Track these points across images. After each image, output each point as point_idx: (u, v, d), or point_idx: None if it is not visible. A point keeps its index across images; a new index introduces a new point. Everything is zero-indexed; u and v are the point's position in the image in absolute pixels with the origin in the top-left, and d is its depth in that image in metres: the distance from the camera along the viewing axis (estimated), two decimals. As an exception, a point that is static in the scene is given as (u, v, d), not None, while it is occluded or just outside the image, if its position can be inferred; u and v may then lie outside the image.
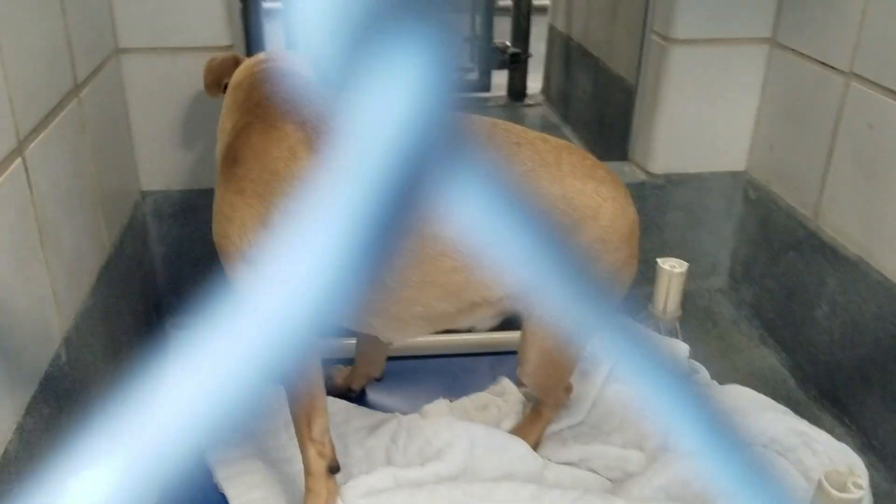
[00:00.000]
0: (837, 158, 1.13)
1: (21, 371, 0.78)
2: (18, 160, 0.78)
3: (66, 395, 0.89)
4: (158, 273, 1.31)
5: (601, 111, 1.99)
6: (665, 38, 1.28)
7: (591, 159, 0.93)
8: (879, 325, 1.05)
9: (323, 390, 0.91)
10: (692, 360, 1.15)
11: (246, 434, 1.07)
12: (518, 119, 2.31)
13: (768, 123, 1.31)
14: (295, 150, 0.83)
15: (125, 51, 1.15)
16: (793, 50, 1.23)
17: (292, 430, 0.92)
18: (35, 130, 0.83)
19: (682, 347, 1.14)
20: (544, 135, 0.93)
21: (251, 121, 0.86)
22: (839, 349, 1.14)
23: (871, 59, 1.06)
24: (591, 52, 1.94)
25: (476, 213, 0.22)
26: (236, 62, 0.98)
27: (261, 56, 0.96)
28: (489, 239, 0.23)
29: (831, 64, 1.13)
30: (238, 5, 1.23)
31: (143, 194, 1.25)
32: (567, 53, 2.16)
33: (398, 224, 0.19)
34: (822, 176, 1.17)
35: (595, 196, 0.88)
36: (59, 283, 0.88)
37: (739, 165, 1.37)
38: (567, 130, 2.26)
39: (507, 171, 0.21)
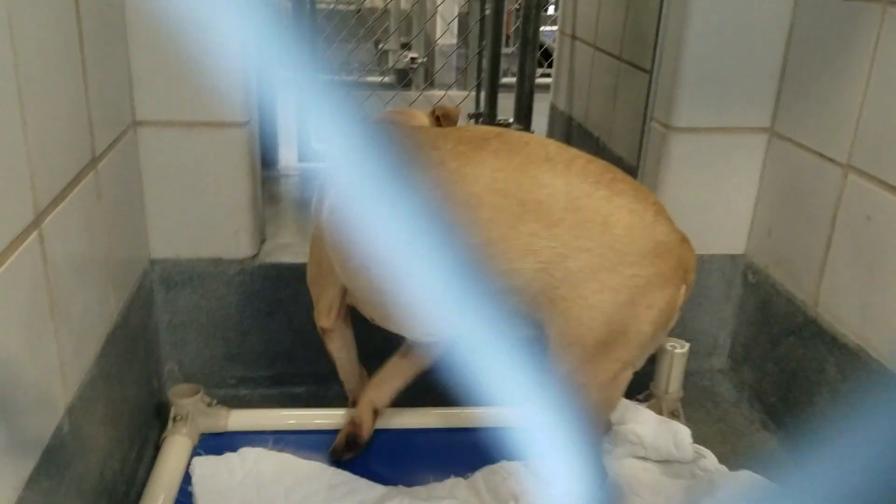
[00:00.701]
0: (836, 248, 1.16)
1: (23, 444, 0.78)
2: (35, 233, 0.80)
3: (67, 466, 0.88)
4: (162, 340, 1.31)
5: (602, 188, 2.03)
6: (666, 125, 1.32)
7: (613, 171, 0.89)
8: (880, 415, 1.05)
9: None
10: (697, 446, 1.15)
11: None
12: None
13: (767, 209, 1.34)
14: None
15: (142, 123, 1.18)
16: (791, 140, 1.26)
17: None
18: (53, 203, 0.85)
19: (684, 432, 1.14)
20: (569, 147, 0.92)
21: None
22: (839, 437, 1.14)
23: (869, 153, 1.09)
24: (591, 132, 1.99)
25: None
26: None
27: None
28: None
29: (829, 156, 1.17)
30: (255, 81, 1.27)
31: (152, 262, 1.26)
32: (568, 131, 2.21)
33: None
34: (820, 264, 1.19)
35: (606, 203, 0.85)
36: (65, 353, 0.88)
37: (739, 249, 1.39)
38: (568, 205, 2.30)
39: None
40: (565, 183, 0.86)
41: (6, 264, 0.74)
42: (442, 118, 1.14)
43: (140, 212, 1.22)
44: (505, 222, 0.87)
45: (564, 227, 0.85)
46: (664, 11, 1.32)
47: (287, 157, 2.46)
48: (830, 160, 1.16)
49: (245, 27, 1.19)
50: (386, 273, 0.91)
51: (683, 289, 0.91)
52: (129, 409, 1.13)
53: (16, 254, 0.75)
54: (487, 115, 2.41)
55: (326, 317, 1.14)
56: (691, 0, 1.23)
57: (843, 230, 1.14)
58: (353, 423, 1.20)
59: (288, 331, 1.34)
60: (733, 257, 1.40)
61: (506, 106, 2.47)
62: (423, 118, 1.14)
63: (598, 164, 0.90)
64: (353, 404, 1.28)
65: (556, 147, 0.91)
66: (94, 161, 0.99)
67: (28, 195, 0.79)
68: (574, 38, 2.12)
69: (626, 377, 0.94)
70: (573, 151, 0.91)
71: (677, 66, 1.26)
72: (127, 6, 1.12)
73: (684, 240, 0.92)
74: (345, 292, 1.12)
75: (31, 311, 0.79)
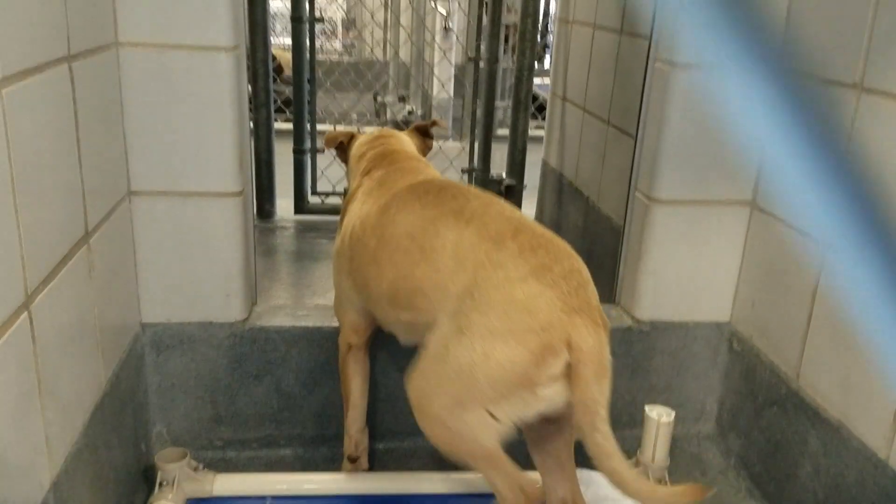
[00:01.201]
0: (816, 322, 1.17)
1: (6, 522, 0.78)
2: (24, 315, 0.82)
3: (49, 542, 0.89)
4: (151, 403, 1.32)
5: (590, 247, 2.05)
6: (649, 197, 1.34)
7: (522, 233, 0.99)
8: (860, 492, 1.05)
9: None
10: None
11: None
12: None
13: (750, 280, 1.36)
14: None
15: (137, 193, 1.21)
16: (772, 214, 1.29)
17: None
18: (43, 283, 0.87)
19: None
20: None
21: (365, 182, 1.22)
22: (823, 510, 1.14)
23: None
24: (581, 191, 2.02)
25: None
26: (352, 136, 1.36)
27: (375, 133, 1.34)
28: None
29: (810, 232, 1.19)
30: (249, 152, 1.30)
31: (144, 326, 1.28)
32: (559, 188, 2.25)
33: None
34: (802, 337, 1.20)
35: (483, 256, 0.97)
36: (52, 429, 0.89)
37: (724, 317, 1.41)
38: (560, 260, 2.32)
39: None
40: (457, 235, 0.99)
41: (-6, 348, 0.75)
42: (419, 130, 1.41)
43: (132, 277, 1.24)
44: (410, 263, 1.02)
45: (445, 273, 0.98)
46: (647, 83, 1.35)
47: (284, 208, 2.50)
48: (810, 236, 1.19)
49: (240, 100, 1.23)
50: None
51: (556, 362, 0.92)
52: (115, 474, 1.14)
53: (4, 337, 0.77)
54: (480, 170, 2.44)
55: (353, 333, 1.24)
56: (673, 73, 1.27)
57: (822, 306, 1.16)
58: None
59: (276, 393, 1.35)
60: (719, 325, 1.42)
61: (501, 158, 2.51)
62: (406, 138, 1.36)
63: (506, 224, 0.99)
64: (351, 460, 1.27)
65: (481, 206, 1.02)
66: (86, 236, 1.01)
67: (18, 277, 0.81)
68: (565, 99, 2.17)
69: (465, 422, 0.96)
70: (494, 212, 1.02)
71: (659, 138, 1.29)
72: (123, 79, 1.15)
73: (579, 314, 0.92)
74: (368, 318, 1.21)
75: (17, 392, 0.80)
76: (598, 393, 0.93)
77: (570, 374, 0.92)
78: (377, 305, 1.13)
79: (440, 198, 1.05)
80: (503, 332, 0.92)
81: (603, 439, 0.93)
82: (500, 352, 0.92)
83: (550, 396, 0.94)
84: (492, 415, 0.95)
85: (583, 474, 1.22)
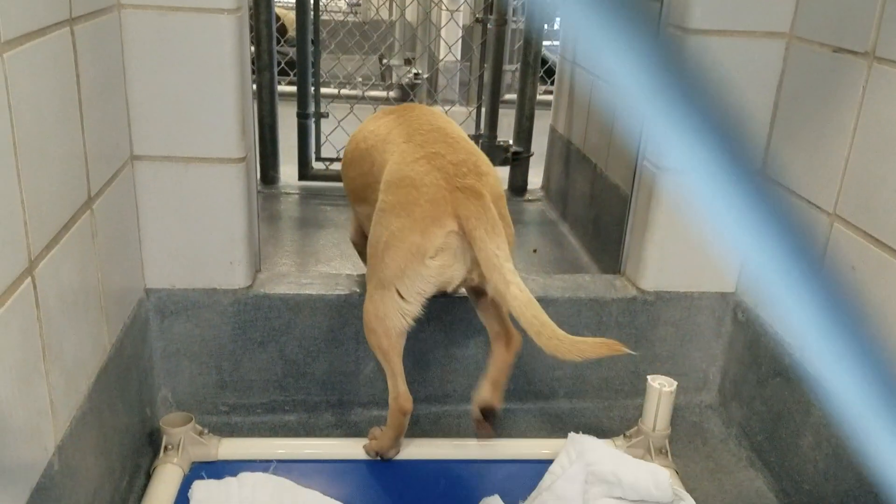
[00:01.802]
0: (822, 293, 1.16)
1: (13, 485, 0.79)
2: (28, 280, 0.82)
3: (57, 503, 0.90)
4: (156, 368, 1.33)
5: (598, 214, 2.04)
6: (656, 166, 1.33)
7: (437, 130, 1.21)
8: (861, 463, 1.06)
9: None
10: (676, 488, 1.16)
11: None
12: (518, 213, 2.36)
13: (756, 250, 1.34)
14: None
15: (139, 158, 1.20)
16: (780, 185, 1.28)
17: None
18: (46, 248, 0.87)
19: (664, 473, 1.15)
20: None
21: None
22: (823, 480, 1.15)
23: (854, 204, 1.10)
24: (589, 157, 2.00)
25: None
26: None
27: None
28: None
29: (817, 203, 1.18)
30: (252, 117, 1.29)
31: (148, 291, 1.28)
32: (567, 155, 2.23)
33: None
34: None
35: (394, 147, 1.20)
36: (57, 393, 0.90)
37: (729, 287, 1.41)
38: (564, 227, 2.31)
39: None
40: (399, 146, 1.18)
41: (-2, 314, 0.75)
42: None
43: (135, 243, 1.24)
44: (367, 165, 1.24)
45: (381, 168, 1.19)
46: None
47: (287, 174, 2.48)
48: (818, 208, 1.18)
49: (242, 63, 1.21)
50: None
51: (440, 232, 1.08)
52: (120, 437, 1.15)
53: (8, 302, 0.77)
54: (487, 136, 2.42)
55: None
56: (686, 39, 1.25)
57: (827, 278, 1.15)
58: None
59: (280, 360, 1.36)
60: (724, 295, 1.41)
61: (508, 125, 2.49)
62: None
63: (429, 130, 1.20)
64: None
65: (430, 129, 1.21)
66: (89, 201, 1.01)
67: (22, 242, 0.81)
68: (575, 63, 2.14)
69: (383, 303, 1.13)
70: (434, 128, 1.22)
71: (670, 107, 1.27)
72: (125, 42, 1.14)
73: (462, 191, 1.08)
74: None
75: (22, 357, 0.81)
76: (495, 248, 1.06)
77: (465, 244, 1.08)
78: (357, 208, 1.35)
79: (402, 114, 1.28)
80: (396, 206, 1.10)
81: (518, 290, 1.06)
82: (395, 225, 1.10)
83: (440, 267, 1.10)
84: (399, 294, 1.12)
85: (575, 439, 1.23)
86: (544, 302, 1.38)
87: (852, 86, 1.10)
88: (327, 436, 1.34)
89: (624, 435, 1.32)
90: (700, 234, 1.37)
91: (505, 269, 1.05)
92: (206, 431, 1.25)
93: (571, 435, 1.25)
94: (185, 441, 1.22)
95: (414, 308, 1.13)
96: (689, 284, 1.40)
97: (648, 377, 1.28)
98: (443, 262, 1.10)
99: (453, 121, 1.36)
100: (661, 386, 1.27)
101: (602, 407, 1.46)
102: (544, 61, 2.56)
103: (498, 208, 1.10)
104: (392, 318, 1.14)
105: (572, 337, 1.06)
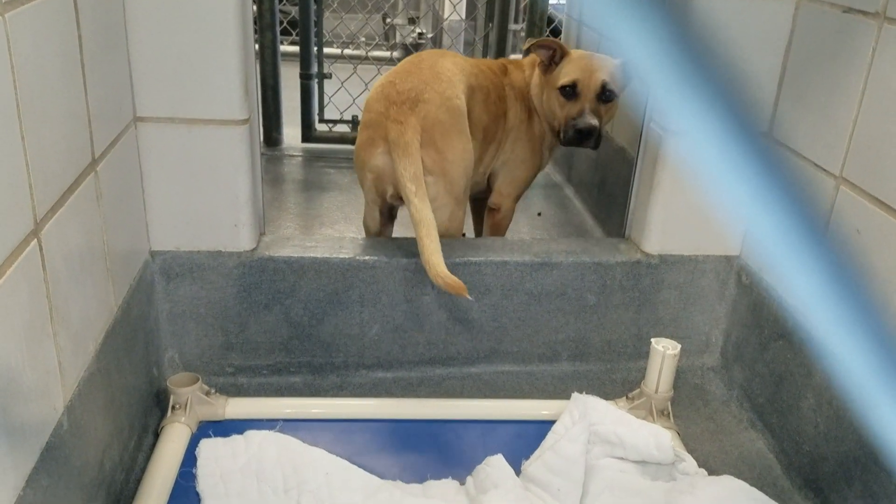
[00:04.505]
0: (826, 257, 1.16)
1: (23, 444, 0.81)
2: (34, 242, 0.82)
3: (66, 462, 0.91)
4: (162, 329, 1.34)
5: (603, 178, 2.03)
6: (663, 128, 1.32)
7: (422, 59, 1.45)
8: (862, 425, 1.07)
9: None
10: (678, 449, 1.17)
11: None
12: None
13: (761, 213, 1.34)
14: None
15: (142, 119, 1.19)
16: (787, 147, 1.27)
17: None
18: (52, 210, 0.87)
19: (665, 434, 1.16)
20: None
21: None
22: (823, 441, 1.16)
23: (861, 167, 1.09)
24: (595, 120, 1.98)
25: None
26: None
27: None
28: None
29: (823, 166, 1.17)
30: (255, 78, 1.28)
31: (153, 254, 1.29)
32: (573, 117, 2.20)
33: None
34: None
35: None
36: (65, 354, 0.91)
37: (734, 251, 1.41)
38: (569, 190, 2.31)
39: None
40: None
41: (5, 276, 0.76)
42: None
43: (140, 205, 1.24)
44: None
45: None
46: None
47: (291, 136, 2.47)
48: (824, 171, 1.17)
49: (244, 22, 1.20)
50: None
51: (374, 150, 1.33)
52: (128, 398, 1.16)
53: (14, 264, 0.78)
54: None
55: None
56: (691, 5, 1.22)
57: (833, 241, 1.14)
58: None
59: (285, 322, 1.37)
60: (728, 258, 1.41)
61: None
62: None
63: (415, 60, 1.44)
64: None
65: (426, 64, 1.42)
66: (93, 163, 1.01)
67: (27, 205, 0.81)
68: (581, 23, 2.11)
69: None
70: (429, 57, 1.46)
71: (677, 68, 1.26)
72: (127, 4, 1.12)
73: (386, 117, 1.31)
74: None
75: (30, 318, 0.81)
76: (401, 168, 1.26)
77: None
78: None
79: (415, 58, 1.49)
80: (359, 127, 1.39)
81: (415, 210, 1.24)
82: (359, 136, 1.38)
83: (373, 180, 1.36)
84: (365, 194, 1.43)
85: (578, 399, 1.25)
86: (548, 266, 1.39)
87: (862, 47, 1.08)
88: (332, 397, 1.36)
89: (626, 396, 1.33)
90: (705, 198, 1.36)
91: (406, 188, 1.25)
92: (213, 391, 1.27)
93: (575, 395, 1.26)
94: (193, 401, 1.23)
95: (374, 204, 1.43)
96: (693, 248, 1.40)
97: (652, 340, 1.29)
98: (375, 176, 1.35)
99: (464, 58, 1.55)
100: (664, 349, 1.28)
101: (605, 369, 1.47)
102: (550, 20, 2.52)
103: (430, 133, 1.30)
104: (367, 220, 1.49)
105: (437, 267, 1.21)
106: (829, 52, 1.17)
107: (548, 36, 2.43)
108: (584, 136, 1.50)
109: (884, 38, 1.04)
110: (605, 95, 1.52)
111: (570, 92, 1.51)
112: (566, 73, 1.52)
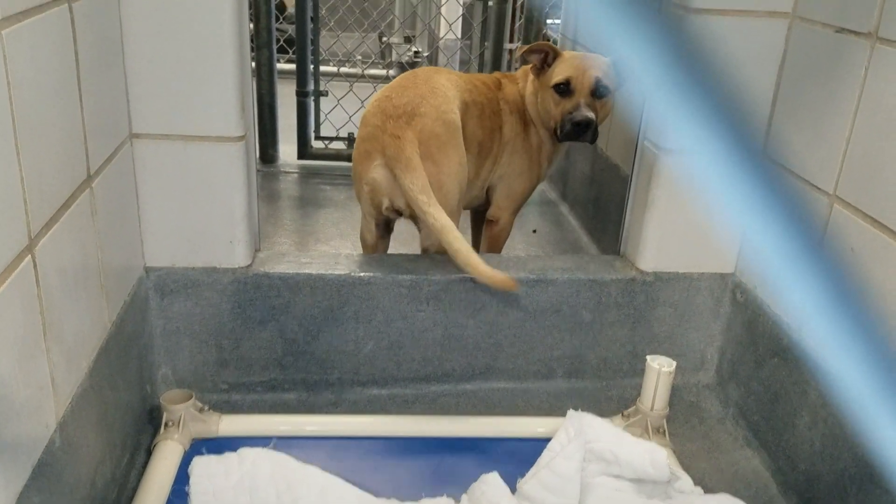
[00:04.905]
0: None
1: (15, 461, 0.80)
2: (28, 258, 0.82)
3: (59, 479, 0.90)
4: (156, 346, 1.33)
5: (597, 194, 2.04)
6: (657, 146, 1.33)
7: (417, 77, 1.45)
8: (858, 442, 1.07)
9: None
10: (674, 468, 1.17)
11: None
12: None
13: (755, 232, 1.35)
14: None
15: (138, 136, 1.20)
16: (781, 165, 1.27)
17: None
18: (46, 226, 0.87)
19: (661, 452, 1.16)
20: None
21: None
22: (819, 460, 1.16)
23: (854, 185, 1.10)
24: (590, 138, 1.99)
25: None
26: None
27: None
28: None
29: (816, 184, 1.18)
30: (251, 95, 1.28)
31: (148, 270, 1.28)
32: (568, 135, 2.21)
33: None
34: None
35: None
36: (58, 370, 0.91)
37: (728, 268, 1.41)
38: (564, 207, 2.31)
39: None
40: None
41: (-2, 291, 0.75)
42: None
43: (135, 221, 1.24)
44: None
45: None
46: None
47: (287, 153, 2.48)
48: (818, 189, 1.18)
49: (241, 41, 1.20)
50: None
51: (370, 164, 1.34)
52: (121, 414, 1.15)
53: (8, 280, 0.77)
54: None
55: None
56: (687, 19, 1.24)
57: (827, 260, 1.15)
58: None
59: (280, 339, 1.36)
60: (723, 276, 1.41)
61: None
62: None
63: (411, 76, 1.46)
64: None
65: (421, 79, 1.44)
66: (88, 179, 1.01)
67: (22, 221, 0.81)
68: (576, 42, 2.13)
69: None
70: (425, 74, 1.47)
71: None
72: (123, 21, 1.13)
73: (383, 130, 1.32)
74: None
75: (23, 334, 0.81)
76: (409, 182, 1.26)
77: (390, 175, 1.32)
78: None
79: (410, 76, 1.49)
80: (360, 134, 1.39)
81: (433, 220, 1.25)
82: (355, 150, 1.40)
83: (370, 192, 1.36)
84: (361, 206, 1.43)
85: (574, 416, 1.24)
86: (543, 282, 1.39)
87: (854, 66, 1.10)
88: (327, 414, 1.35)
89: (622, 414, 1.33)
90: (700, 215, 1.37)
91: (419, 201, 1.25)
92: (206, 408, 1.26)
93: (570, 412, 1.25)
94: (186, 417, 1.22)
95: (371, 218, 1.43)
96: (688, 265, 1.40)
97: (648, 357, 1.29)
98: (371, 188, 1.35)
99: (458, 74, 1.58)
100: (660, 366, 1.27)
101: (600, 386, 1.47)
102: (546, 39, 2.54)
103: (427, 146, 1.31)
104: (363, 233, 1.49)
105: (481, 265, 1.23)
106: (823, 72, 1.18)
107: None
108: (582, 129, 1.51)
109: (876, 58, 1.05)
110: (599, 91, 1.53)
111: (564, 89, 1.53)
112: (559, 72, 1.54)
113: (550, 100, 1.55)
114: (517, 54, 1.71)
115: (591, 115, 1.50)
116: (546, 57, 1.56)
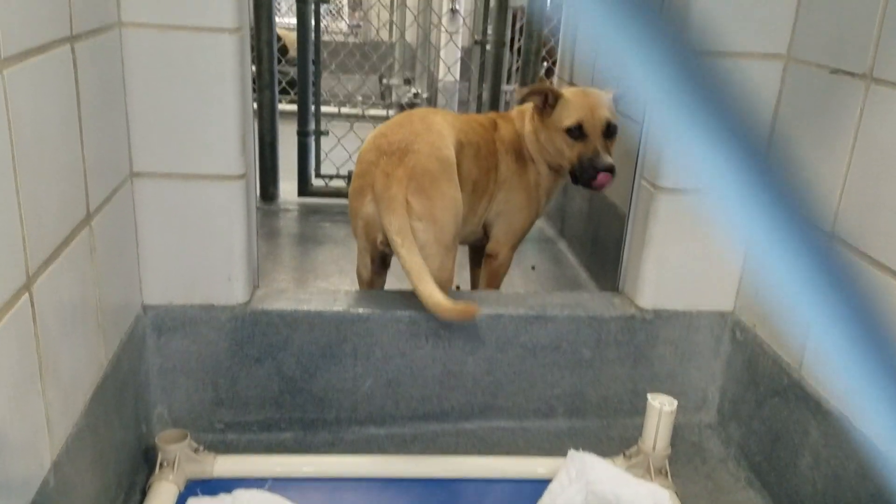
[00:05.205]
0: (820, 313, 1.16)
1: (8, 501, 0.79)
2: (25, 296, 0.82)
3: (50, 522, 0.89)
4: (152, 384, 1.32)
5: (595, 232, 2.05)
6: (654, 185, 1.34)
7: (415, 118, 1.48)
8: (860, 484, 1.05)
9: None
10: (676, 509, 1.15)
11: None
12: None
13: (754, 270, 1.35)
14: None
15: (139, 175, 1.20)
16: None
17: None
18: (44, 264, 0.87)
19: (663, 493, 1.14)
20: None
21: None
22: (822, 500, 1.14)
23: (851, 224, 1.10)
24: (588, 176, 2.00)
25: None
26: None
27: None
28: None
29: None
30: (253, 134, 1.29)
31: (145, 308, 1.28)
32: (566, 174, 2.23)
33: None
34: (805, 328, 1.20)
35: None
36: (53, 409, 0.90)
37: (727, 306, 1.41)
38: (562, 244, 2.32)
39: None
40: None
41: (-5, 330, 0.75)
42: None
43: (133, 259, 1.24)
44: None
45: None
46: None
47: (287, 191, 2.49)
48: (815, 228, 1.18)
49: (243, 83, 1.22)
50: None
51: (363, 199, 1.36)
52: (116, 454, 1.14)
53: (5, 318, 0.77)
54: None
55: None
56: (678, 63, 1.25)
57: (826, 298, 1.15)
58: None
59: (277, 377, 1.35)
60: (722, 314, 1.41)
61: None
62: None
63: (406, 115, 1.50)
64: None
65: (417, 117, 1.48)
66: (88, 217, 1.01)
67: (20, 258, 0.81)
68: (572, 83, 2.15)
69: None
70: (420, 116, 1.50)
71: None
72: (125, 60, 1.14)
73: (376, 166, 1.35)
74: None
75: (18, 373, 0.80)
76: (387, 223, 1.30)
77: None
78: None
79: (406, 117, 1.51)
80: (357, 171, 1.42)
81: (403, 261, 1.28)
82: (353, 184, 1.42)
83: (363, 227, 1.39)
84: (357, 240, 1.45)
85: (575, 457, 1.23)
86: (542, 319, 1.38)
87: (850, 107, 1.11)
88: (324, 454, 1.33)
89: (623, 454, 1.31)
90: (698, 253, 1.37)
91: (394, 242, 1.29)
92: (201, 448, 1.25)
93: (571, 453, 1.24)
94: (181, 458, 1.21)
95: (365, 251, 1.46)
96: (687, 303, 1.40)
97: (649, 396, 1.28)
98: (365, 223, 1.39)
99: (454, 114, 1.61)
100: (661, 405, 1.26)
101: (601, 425, 1.46)
102: (543, 79, 2.57)
103: (419, 181, 1.33)
104: (359, 268, 1.51)
105: (433, 296, 1.25)
106: (818, 112, 1.19)
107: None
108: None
109: (871, 99, 1.07)
110: (609, 131, 1.56)
111: (577, 133, 1.54)
112: (569, 115, 1.55)
113: (563, 142, 1.57)
114: (517, 97, 1.73)
115: (611, 161, 1.53)
116: (546, 98, 1.58)
